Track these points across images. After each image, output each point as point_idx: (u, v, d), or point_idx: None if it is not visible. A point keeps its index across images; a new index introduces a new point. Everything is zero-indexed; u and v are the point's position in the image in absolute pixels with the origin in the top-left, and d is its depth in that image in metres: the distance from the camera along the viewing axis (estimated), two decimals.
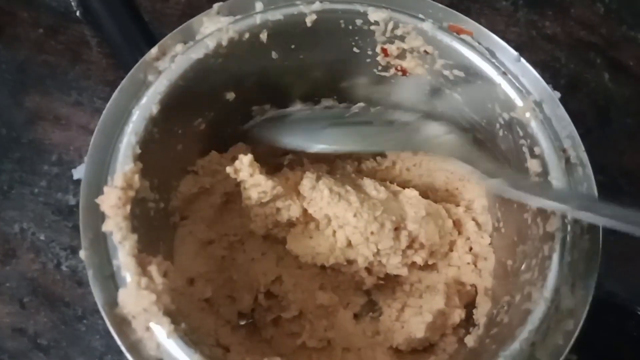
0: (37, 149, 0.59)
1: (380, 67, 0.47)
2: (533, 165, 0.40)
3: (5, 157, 0.58)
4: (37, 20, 0.65)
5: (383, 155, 0.53)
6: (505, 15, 0.68)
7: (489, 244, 0.47)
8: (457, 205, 0.50)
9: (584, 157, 0.40)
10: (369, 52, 0.46)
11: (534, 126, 0.40)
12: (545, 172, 0.39)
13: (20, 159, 0.59)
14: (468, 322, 0.46)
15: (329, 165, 0.52)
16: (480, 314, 0.44)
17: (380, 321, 0.49)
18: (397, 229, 0.45)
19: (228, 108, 0.46)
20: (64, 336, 0.52)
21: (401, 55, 0.45)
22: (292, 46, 0.45)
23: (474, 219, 0.48)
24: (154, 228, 0.40)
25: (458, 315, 0.46)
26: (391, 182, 0.51)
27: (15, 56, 0.63)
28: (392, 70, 0.46)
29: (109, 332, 0.50)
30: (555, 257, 0.37)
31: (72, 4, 0.63)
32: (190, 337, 0.35)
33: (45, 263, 0.55)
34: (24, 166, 0.58)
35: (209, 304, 0.45)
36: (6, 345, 0.52)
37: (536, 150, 0.40)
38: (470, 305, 0.47)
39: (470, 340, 0.42)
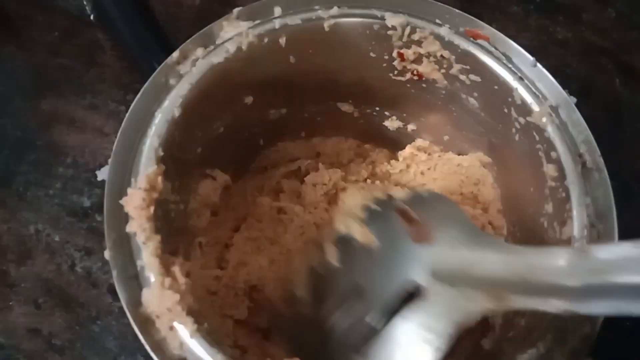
0: (53, 151, 0.59)
1: (396, 72, 0.47)
2: (549, 170, 0.40)
3: (21, 160, 0.59)
4: (53, 23, 0.65)
5: (397, 158, 0.53)
6: (517, 20, 0.68)
7: None
8: (473, 207, 0.50)
9: (600, 162, 0.40)
10: (385, 57, 0.46)
11: (550, 131, 0.40)
12: (561, 177, 0.39)
13: (36, 161, 0.59)
14: (483, 324, 0.46)
15: (344, 169, 0.52)
16: (496, 317, 0.44)
17: None
18: None
19: (246, 111, 0.47)
20: (78, 337, 0.52)
21: (417, 59, 0.45)
22: (310, 50, 0.45)
23: (490, 223, 0.49)
24: (174, 229, 0.40)
25: None
26: (404, 186, 0.52)
27: (31, 59, 0.64)
28: (408, 75, 0.47)
29: (123, 333, 0.52)
30: None
31: (86, 8, 0.64)
32: (212, 337, 0.35)
33: (60, 264, 0.55)
34: (40, 168, 0.59)
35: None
36: (21, 346, 0.52)
37: (552, 155, 0.40)
38: None
39: (486, 343, 0.42)
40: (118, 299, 0.52)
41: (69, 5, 0.66)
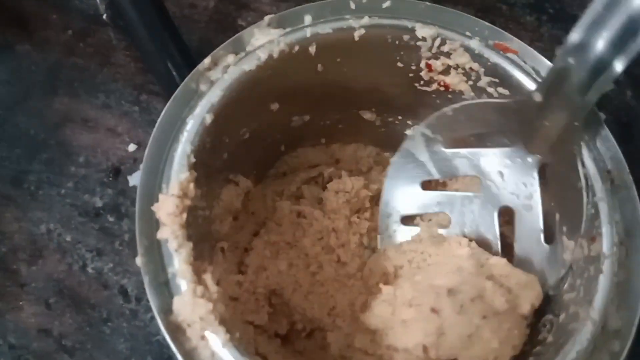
0: (65, 150, 0.59)
1: (422, 82, 0.47)
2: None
3: (33, 158, 0.59)
4: (67, 23, 0.65)
5: None
6: (530, 31, 0.68)
7: None
8: None
9: (629, 179, 0.40)
10: (413, 67, 0.46)
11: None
12: (590, 194, 0.40)
13: (48, 160, 0.59)
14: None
15: (365, 177, 0.52)
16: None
17: None
18: None
19: (271, 118, 0.47)
20: (89, 338, 0.52)
21: (445, 71, 0.45)
22: (338, 59, 0.45)
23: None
24: (200, 236, 0.40)
25: None
26: None
27: (46, 58, 0.63)
28: (435, 86, 0.47)
29: (133, 335, 0.52)
30: (602, 279, 0.37)
31: (100, 7, 0.64)
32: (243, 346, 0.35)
33: (71, 264, 0.55)
34: (52, 167, 0.58)
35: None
36: (32, 346, 0.52)
37: (581, 171, 0.40)
38: None
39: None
40: (129, 301, 0.53)
41: (84, 4, 0.66)
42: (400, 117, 0.51)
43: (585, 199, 0.39)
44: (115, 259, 0.55)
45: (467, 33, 0.44)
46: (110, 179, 0.58)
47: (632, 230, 0.39)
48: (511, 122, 0.43)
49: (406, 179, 0.49)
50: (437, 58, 0.45)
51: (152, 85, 0.62)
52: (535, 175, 0.44)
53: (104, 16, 0.64)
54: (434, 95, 0.48)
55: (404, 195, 0.49)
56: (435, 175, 0.48)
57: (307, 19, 0.43)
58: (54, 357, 0.52)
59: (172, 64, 0.56)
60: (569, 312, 0.39)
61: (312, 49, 0.43)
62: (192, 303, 0.35)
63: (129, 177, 0.57)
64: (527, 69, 0.43)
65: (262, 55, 0.42)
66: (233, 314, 0.43)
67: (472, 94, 0.46)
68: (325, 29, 0.43)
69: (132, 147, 0.59)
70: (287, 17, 0.43)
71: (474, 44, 0.43)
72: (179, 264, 0.36)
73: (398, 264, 0.47)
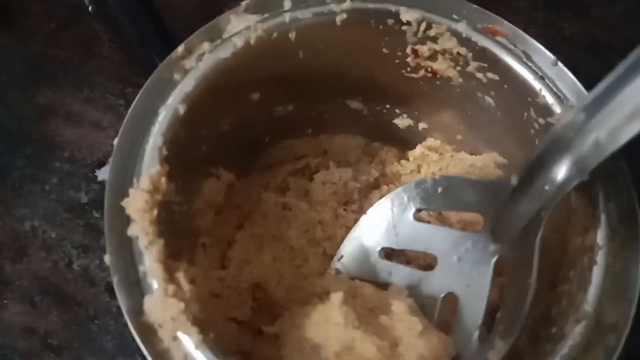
0: (49, 145, 0.58)
1: (409, 68, 0.45)
2: None
3: (16, 153, 0.57)
4: (50, 14, 0.64)
5: (406, 158, 0.52)
6: (523, 15, 0.67)
7: None
8: None
9: (623, 165, 0.38)
10: (399, 53, 0.45)
11: None
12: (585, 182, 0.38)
13: (32, 155, 0.58)
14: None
15: (353, 169, 0.51)
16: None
17: None
18: None
19: (252, 108, 0.45)
20: (75, 336, 0.51)
21: (432, 56, 0.44)
22: (320, 46, 0.44)
23: None
24: (177, 231, 0.39)
25: None
26: None
27: (28, 50, 0.62)
28: (422, 72, 0.45)
29: (121, 333, 0.51)
30: (597, 270, 0.36)
31: None
32: (217, 343, 0.33)
33: (56, 261, 0.54)
34: (36, 162, 0.57)
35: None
36: (17, 345, 0.51)
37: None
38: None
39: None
40: (116, 298, 0.51)
41: None
42: (388, 106, 0.50)
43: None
44: (102, 256, 0.52)
45: (454, 16, 0.42)
46: (96, 174, 0.57)
47: (628, 219, 0.37)
48: (485, 203, 0.42)
49: (369, 240, 0.47)
50: (423, 43, 0.43)
51: (138, 78, 0.60)
52: (492, 265, 0.42)
53: (89, 7, 0.62)
54: (421, 82, 0.46)
55: (361, 256, 0.47)
56: (395, 245, 0.46)
57: (287, 4, 0.42)
58: (40, 356, 0.51)
59: (156, 54, 0.54)
60: (561, 305, 0.37)
61: (292, 36, 0.42)
62: (163, 303, 0.33)
63: (97, 172, 0.56)
64: (517, 53, 0.41)
65: (239, 42, 0.40)
66: (215, 311, 0.42)
67: (461, 79, 0.44)
68: (306, 14, 0.42)
69: (117, 141, 0.57)
70: (265, 2, 0.42)
71: (461, 27, 0.42)
72: (150, 262, 0.34)
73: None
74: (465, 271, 0.43)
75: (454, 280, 0.43)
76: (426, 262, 0.47)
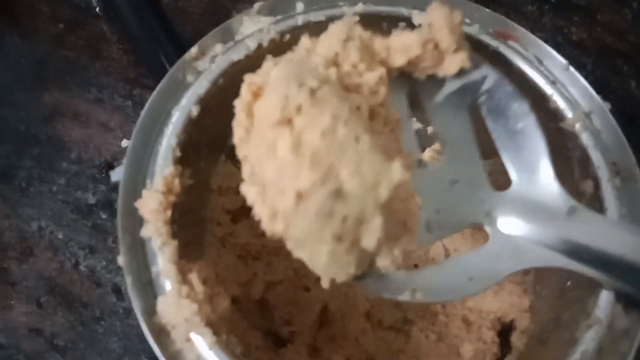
0: (56, 146, 0.58)
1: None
2: (583, 178, 0.39)
3: (23, 154, 0.57)
4: (57, 14, 0.64)
5: None
6: (531, 20, 0.67)
7: None
8: None
9: (636, 171, 0.38)
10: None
11: (584, 138, 0.39)
12: (595, 187, 0.38)
13: (39, 156, 0.58)
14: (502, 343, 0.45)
15: None
16: (518, 335, 0.43)
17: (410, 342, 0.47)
18: None
19: None
20: (81, 337, 0.51)
21: None
22: None
23: None
24: (190, 234, 0.39)
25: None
26: None
27: (35, 51, 0.62)
28: None
29: (127, 334, 0.51)
30: None
31: None
32: (231, 348, 0.33)
33: (63, 262, 0.54)
34: (43, 163, 0.57)
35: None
36: (22, 346, 0.51)
37: (586, 163, 0.39)
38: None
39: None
40: (122, 299, 0.52)
41: None
42: None
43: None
44: (108, 257, 0.54)
45: (467, 20, 0.42)
46: (103, 175, 0.57)
47: None
48: None
49: None
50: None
51: (145, 79, 0.60)
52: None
53: (97, 8, 0.63)
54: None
55: None
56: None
57: (299, 6, 0.42)
58: (45, 357, 0.51)
59: (165, 56, 0.54)
60: (572, 311, 0.37)
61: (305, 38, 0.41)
62: (176, 304, 0.33)
63: (111, 173, 0.56)
64: (528, 57, 0.41)
65: (252, 44, 0.40)
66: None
67: None
68: (318, 16, 0.41)
69: (125, 143, 0.57)
70: (277, 4, 0.42)
71: (473, 31, 0.42)
72: (163, 262, 0.34)
73: None
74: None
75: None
76: None
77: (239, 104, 0.32)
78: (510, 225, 0.36)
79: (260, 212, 0.30)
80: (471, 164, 0.39)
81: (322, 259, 0.29)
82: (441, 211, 0.37)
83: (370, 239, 0.29)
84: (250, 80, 0.32)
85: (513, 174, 0.38)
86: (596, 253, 0.33)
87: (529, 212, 0.36)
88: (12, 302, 0.52)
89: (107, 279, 0.53)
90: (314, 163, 0.28)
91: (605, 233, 0.34)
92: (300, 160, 0.28)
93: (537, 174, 0.37)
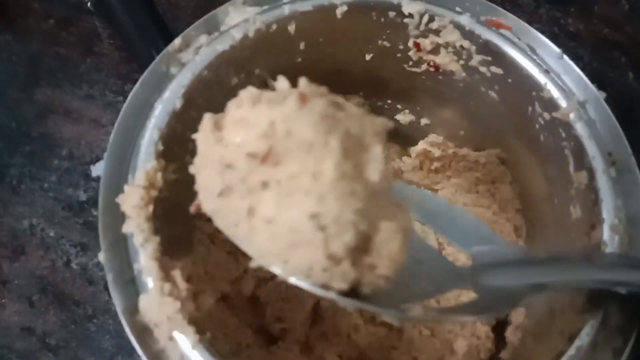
0: (48, 143, 0.57)
1: (411, 63, 0.45)
2: (576, 169, 0.38)
3: (14, 151, 0.57)
4: (49, 11, 0.63)
5: (408, 154, 0.51)
6: (528, 12, 0.66)
7: None
8: (489, 207, 0.48)
9: (631, 161, 0.37)
10: (400, 47, 0.44)
11: (579, 128, 0.38)
12: (590, 178, 0.37)
13: (30, 153, 0.57)
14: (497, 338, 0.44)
15: None
16: (512, 330, 0.42)
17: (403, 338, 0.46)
18: None
19: None
20: (73, 336, 0.51)
21: (435, 50, 0.43)
22: (320, 39, 0.43)
23: (508, 221, 0.46)
24: (175, 230, 0.38)
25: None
26: (418, 185, 0.50)
27: (27, 48, 0.62)
28: (424, 66, 0.45)
29: (119, 333, 0.50)
30: None
31: None
32: (215, 346, 0.33)
33: (54, 260, 0.53)
34: (34, 160, 0.57)
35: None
36: (14, 345, 0.50)
37: (581, 153, 0.38)
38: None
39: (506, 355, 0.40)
40: None
41: None
42: (389, 102, 0.49)
43: None
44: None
45: (457, 9, 0.42)
46: (92, 174, 0.56)
47: (636, 216, 0.36)
48: None
49: None
50: (425, 36, 0.43)
51: (138, 75, 0.59)
52: None
53: (88, 4, 0.62)
54: (424, 77, 0.45)
55: None
56: None
57: None
58: (38, 356, 0.50)
59: (156, 51, 0.53)
60: (567, 305, 0.36)
61: (292, 28, 0.41)
62: (159, 302, 0.32)
63: (91, 167, 0.55)
64: (521, 46, 0.41)
65: (237, 34, 0.40)
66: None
67: (464, 74, 0.44)
68: (305, 6, 0.41)
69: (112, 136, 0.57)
70: None
71: (465, 20, 0.41)
72: (145, 259, 0.33)
73: None
74: None
75: None
76: None
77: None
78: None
79: None
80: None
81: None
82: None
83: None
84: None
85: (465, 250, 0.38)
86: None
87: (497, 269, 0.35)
88: (3, 300, 0.52)
89: (99, 277, 0.52)
90: None
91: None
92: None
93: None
